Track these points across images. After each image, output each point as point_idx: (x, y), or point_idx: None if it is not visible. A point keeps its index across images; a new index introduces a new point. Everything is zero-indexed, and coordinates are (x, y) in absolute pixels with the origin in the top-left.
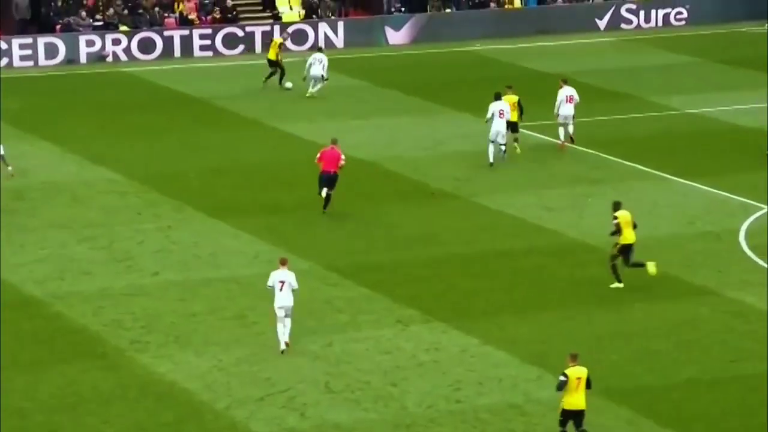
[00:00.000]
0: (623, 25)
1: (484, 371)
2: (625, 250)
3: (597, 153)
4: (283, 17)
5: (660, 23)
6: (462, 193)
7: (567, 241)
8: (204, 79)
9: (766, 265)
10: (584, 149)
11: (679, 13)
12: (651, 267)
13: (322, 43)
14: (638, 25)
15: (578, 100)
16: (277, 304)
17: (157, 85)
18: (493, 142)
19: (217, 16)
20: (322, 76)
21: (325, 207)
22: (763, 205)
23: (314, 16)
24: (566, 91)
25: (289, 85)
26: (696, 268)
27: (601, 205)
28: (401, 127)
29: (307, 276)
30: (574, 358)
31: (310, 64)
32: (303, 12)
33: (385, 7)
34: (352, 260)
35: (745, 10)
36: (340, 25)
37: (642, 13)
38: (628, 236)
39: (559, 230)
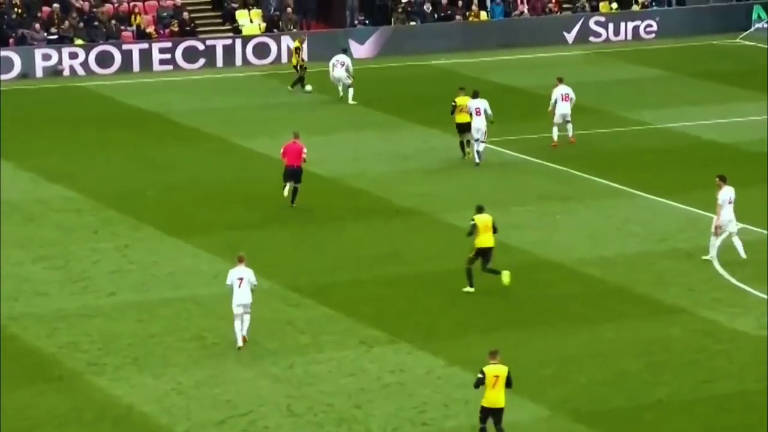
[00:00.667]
0: (592, 38)
1: (450, 393)
2: (481, 253)
3: (566, 169)
4: (243, 30)
5: (629, 36)
6: (427, 209)
7: (535, 259)
8: (163, 94)
9: (738, 284)
10: (553, 165)
11: (649, 26)
12: (505, 277)
13: (285, 58)
14: (607, 38)
15: (575, 99)
16: (235, 301)
17: (115, 99)
18: (476, 140)
19: (175, 30)
20: (347, 78)
21: (292, 201)
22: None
23: (275, 29)
24: (561, 90)
25: (309, 88)
26: (667, 287)
27: (570, 222)
28: (365, 143)
29: (268, 296)
30: (494, 356)
31: (333, 66)
32: (263, 25)
33: (348, 20)
34: (314, 279)
35: (716, 23)
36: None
37: (611, 26)
38: (485, 240)
39: (527, 248)
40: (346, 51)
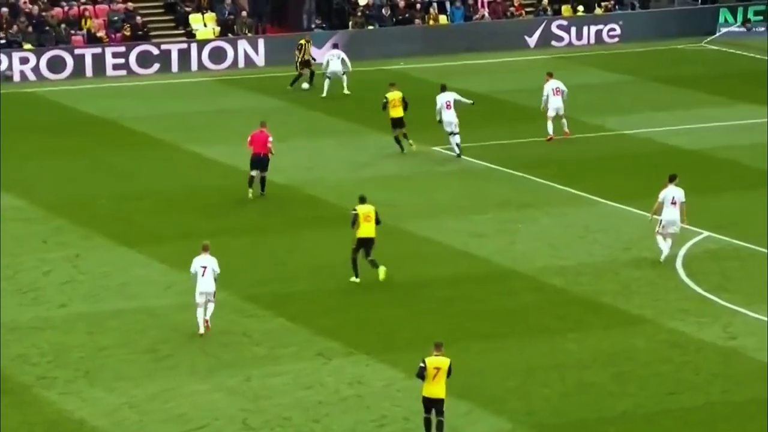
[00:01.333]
0: (554, 43)
1: (411, 406)
2: (362, 243)
3: (527, 176)
4: (197, 34)
5: (592, 40)
6: (386, 218)
7: (497, 268)
8: (117, 99)
9: (704, 293)
10: (514, 172)
11: (612, 29)
12: (381, 272)
13: (242, 62)
14: (570, 43)
15: (566, 92)
16: (198, 289)
17: (67, 105)
18: (452, 134)
19: (127, 34)
20: (344, 69)
21: (262, 190)
22: (700, 230)
23: (230, 33)
24: (552, 84)
25: (305, 86)
26: (631, 296)
27: (531, 231)
28: (323, 150)
29: (224, 307)
30: (438, 348)
31: (328, 61)
32: (218, 29)
33: (305, 23)
34: (271, 290)
35: (680, 26)
36: (261, 42)
37: (573, 30)
38: (366, 230)
39: (488, 257)
40: (337, 46)
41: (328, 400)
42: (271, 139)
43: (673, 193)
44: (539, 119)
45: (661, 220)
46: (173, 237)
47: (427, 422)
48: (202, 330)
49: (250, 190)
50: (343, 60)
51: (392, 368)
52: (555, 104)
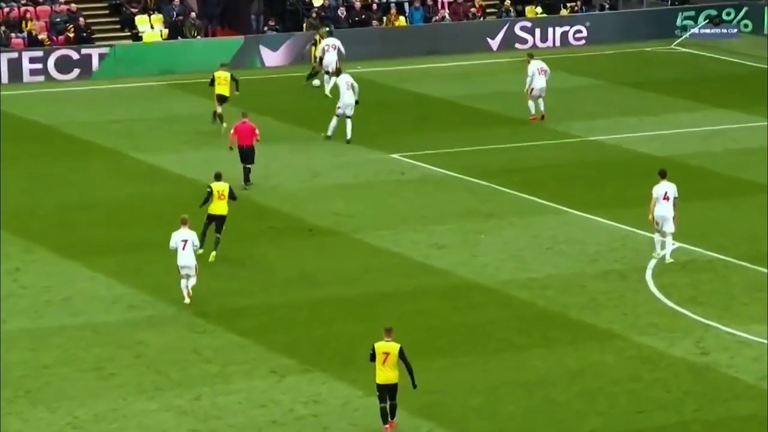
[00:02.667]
0: (518, 45)
1: (369, 425)
2: (213, 219)
3: (490, 184)
4: (144, 37)
5: (558, 43)
6: (343, 229)
7: (459, 281)
8: (58, 105)
9: (675, 306)
10: (476, 180)
11: (578, 31)
12: (211, 257)
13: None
14: (534, 45)
15: (549, 73)
16: (179, 263)
17: (6, 111)
18: (340, 116)
19: (71, 36)
20: (336, 63)
21: (246, 182)
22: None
23: (178, 36)
24: (536, 65)
25: (316, 82)
26: (600, 310)
27: (495, 242)
28: (276, 158)
29: (173, 323)
30: (388, 333)
31: (324, 50)
32: (165, 31)
33: (254, 25)
34: (222, 304)
35: (649, 28)
36: (209, 45)
37: (538, 32)
38: (217, 207)
39: (450, 269)
40: (331, 33)
41: (283, 419)
42: (257, 132)
43: (665, 188)
44: (503, 125)
45: (649, 215)
46: (119, 249)
47: (383, 412)
48: (187, 300)
49: (244, 184)
50: (339, 50)
51: (350, 386)
52: (540, 84)
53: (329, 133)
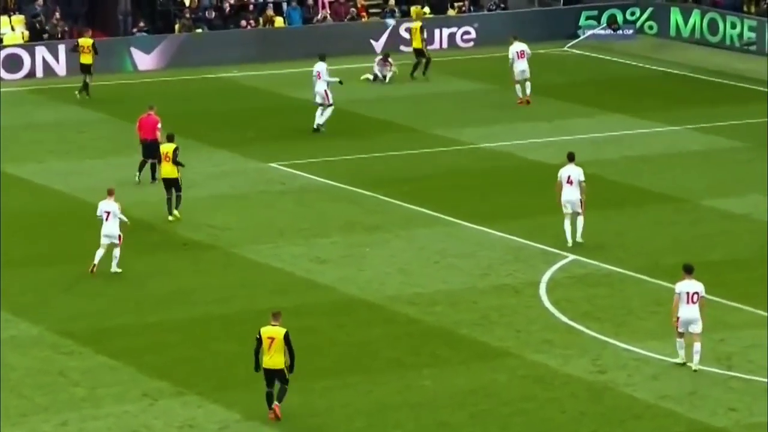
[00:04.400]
0: (402, 47)
1: None
2: (167, 184)
3: (375, 195)
4: (3, 39)
5: (445, 44)
6: (219, 243)
7: (343, 297)
8: None
9: (570, 322)
10: (360, 191)
11: (467, 33)
12: (173, 217)
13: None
14: None
15: (530, 54)
16: (103, 232)
17: None
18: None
19: None
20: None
21: (153, 178)
22: (565, 254)
23: (41, 37)
24: (516, 47)
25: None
26: (491, 327)
27: (380, 255)
28: (147, 168)
29: (37, 344)
30: (276, 317)
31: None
32: (27, 33)
33: (123, 26)
34: (90, 324)
35: (542, 30)
36: (62, 48)
37: (424, 33)
38: (165, 171)
39: (333, 285)
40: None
41: None
42: (159, 126)
43: (569, 171)
44: (386, 132)
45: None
46: None
47: (269, 396)
48: (92, 269)
49: (138, 174)
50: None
51: (227, 409)
52: (521, 66)
53: (315, 124)
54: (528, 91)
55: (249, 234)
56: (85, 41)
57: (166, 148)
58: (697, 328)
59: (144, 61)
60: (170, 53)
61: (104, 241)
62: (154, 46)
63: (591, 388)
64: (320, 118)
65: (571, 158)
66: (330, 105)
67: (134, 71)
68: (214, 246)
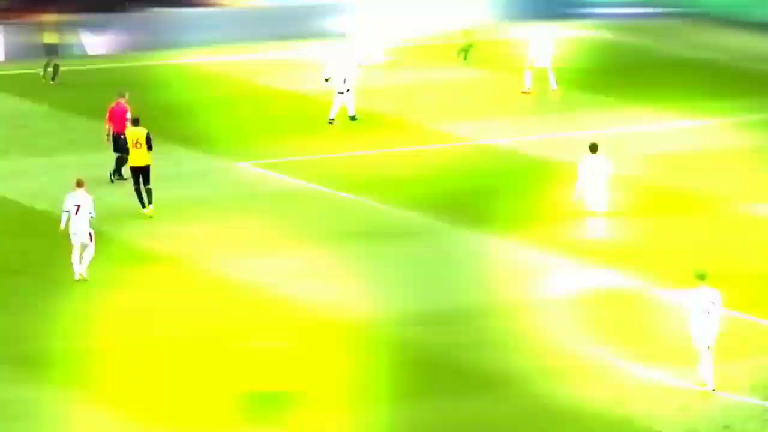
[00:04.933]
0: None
1: None
2: (136, 173)
3: (361, 199)
4: None
5: None
6: (182, 255)
7: (324, 317)
8: None
9: (584, 345)
10: (344, 194)
11: None
12: (149, 210)
13: None
14: None
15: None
16: (71, 229)
17: None
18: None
19: None
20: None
21: (116, 175)
22: (580, 266)
23: None
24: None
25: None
26: (494, 350)
27: (368, 269)
28: (95, 167)
29: None
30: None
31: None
32: None
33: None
34: (30, 347)
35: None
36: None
37: None
38: (135, 158)
39: (312, 304)
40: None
41: None
42: (129, 116)
43: (592, 163)
44: (377, 127)
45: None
46: None
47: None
48: (77, 276)
49: (116, 172)
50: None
51: None
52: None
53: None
54: (552, 81)
55: (216, 245)
56: (139, 134)
57: (137, 134)
58: (711, 342)
59: (94, 44)
60: (124, 35)
61: (74, 240)
62: (107, 28)
63: (608, 422)
64: (350, 107)
65: (593, 149)
66: (348, 90)
67: (83, 56)
68: (175, 258)
